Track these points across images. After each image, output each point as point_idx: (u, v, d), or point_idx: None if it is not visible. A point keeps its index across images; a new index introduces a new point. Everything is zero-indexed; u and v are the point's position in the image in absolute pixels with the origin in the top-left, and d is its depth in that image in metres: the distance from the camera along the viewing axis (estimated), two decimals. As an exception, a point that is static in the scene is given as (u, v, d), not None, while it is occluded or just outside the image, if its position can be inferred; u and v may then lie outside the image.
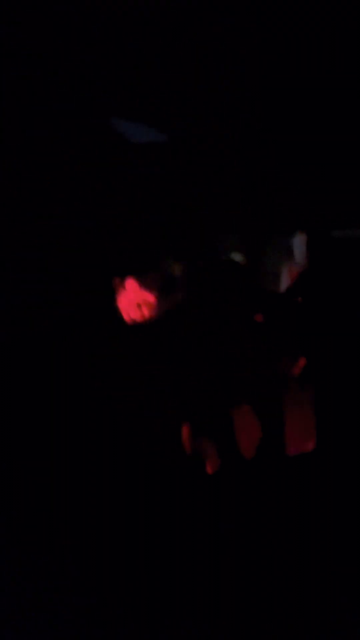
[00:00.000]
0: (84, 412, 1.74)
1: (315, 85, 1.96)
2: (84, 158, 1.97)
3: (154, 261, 1.99)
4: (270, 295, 1.96)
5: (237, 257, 1.97)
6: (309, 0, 1.89)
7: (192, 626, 1.59)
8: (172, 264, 1.99)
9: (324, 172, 1.95)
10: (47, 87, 1.96)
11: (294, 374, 1.84)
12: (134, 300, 2.04)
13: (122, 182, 1.98)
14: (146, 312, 2.01)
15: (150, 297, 2.01)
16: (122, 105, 2.03)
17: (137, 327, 1.90)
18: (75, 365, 1.80)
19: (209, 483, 1.69)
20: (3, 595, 1.62)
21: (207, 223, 1.98)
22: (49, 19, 1.90)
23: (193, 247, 1.95)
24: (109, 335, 1.86)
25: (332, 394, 1.82)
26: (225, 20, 1.91)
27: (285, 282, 1.96)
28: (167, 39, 1.95)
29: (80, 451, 1.71)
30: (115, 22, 1.94)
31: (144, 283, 2.01)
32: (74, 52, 1.97)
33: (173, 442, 1.74)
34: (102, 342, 1.86)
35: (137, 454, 1.71)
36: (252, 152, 1.93)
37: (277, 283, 1.96)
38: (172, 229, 1.95)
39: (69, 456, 1.72)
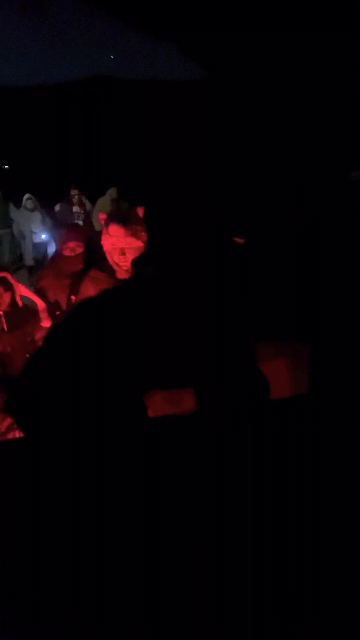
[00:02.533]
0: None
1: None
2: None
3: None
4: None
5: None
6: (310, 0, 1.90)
7: (192, 626, 1.59)
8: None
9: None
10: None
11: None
12: (117, 245, 2.07)
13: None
14: (130, 257, 2.04)
15: (137, 243, 2.04)
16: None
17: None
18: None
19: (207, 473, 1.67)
20: (3, 596, 1.62)
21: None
22: None
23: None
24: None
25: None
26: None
27: None
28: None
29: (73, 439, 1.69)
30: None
31: (130, 230, 2.03)
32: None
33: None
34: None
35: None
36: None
37: None
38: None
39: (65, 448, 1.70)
